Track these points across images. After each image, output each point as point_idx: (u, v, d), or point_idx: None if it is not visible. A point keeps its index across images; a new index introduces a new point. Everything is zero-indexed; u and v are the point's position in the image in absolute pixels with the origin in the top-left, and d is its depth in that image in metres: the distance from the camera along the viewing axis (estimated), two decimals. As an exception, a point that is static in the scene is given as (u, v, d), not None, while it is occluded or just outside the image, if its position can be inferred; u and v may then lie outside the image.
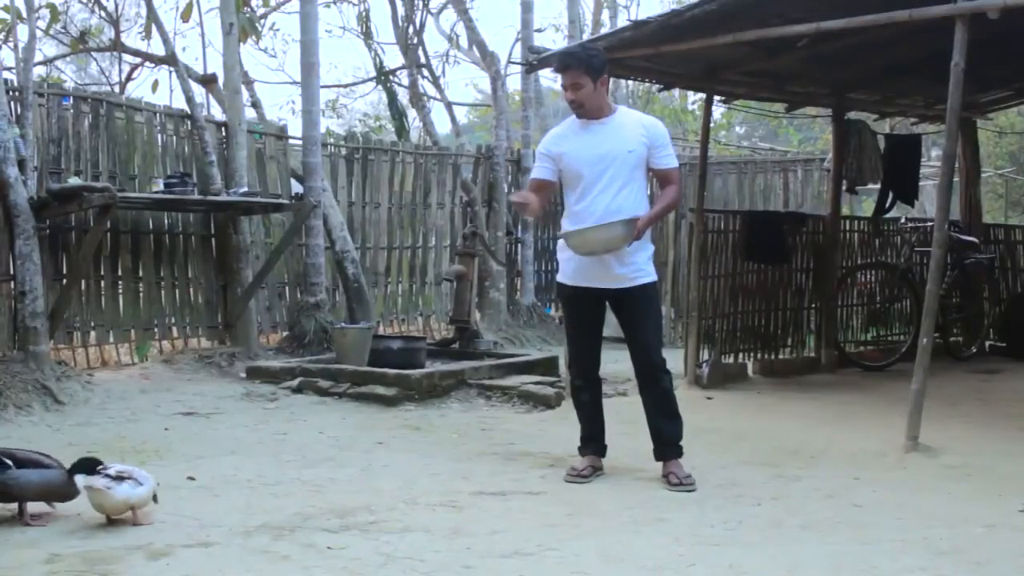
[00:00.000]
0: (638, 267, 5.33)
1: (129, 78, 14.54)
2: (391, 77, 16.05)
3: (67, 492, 4.50)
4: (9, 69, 8.16)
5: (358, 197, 11.22)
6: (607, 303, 5.46)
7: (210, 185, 9.13)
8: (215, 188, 9.07)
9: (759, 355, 9.17)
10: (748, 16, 7.01)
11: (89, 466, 4.47)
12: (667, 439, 5.39)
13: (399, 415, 7.31)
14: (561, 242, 5.50)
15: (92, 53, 15.67)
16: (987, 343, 10.78)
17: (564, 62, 5.38)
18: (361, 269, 10.59)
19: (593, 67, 5.28)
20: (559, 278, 5.59)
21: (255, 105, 13.80)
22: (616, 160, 5.25)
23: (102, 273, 8.73)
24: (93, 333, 8.70)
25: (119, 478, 4.39)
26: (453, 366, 8.40)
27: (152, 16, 10.87)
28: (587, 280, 5.37)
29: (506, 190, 12.73)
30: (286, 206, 9.68)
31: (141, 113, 9.21)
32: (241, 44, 11.15)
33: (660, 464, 5.39)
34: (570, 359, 5.70)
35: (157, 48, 12.21)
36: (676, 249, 12.24)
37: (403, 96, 16.08)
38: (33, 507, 4.49)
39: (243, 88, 11.02)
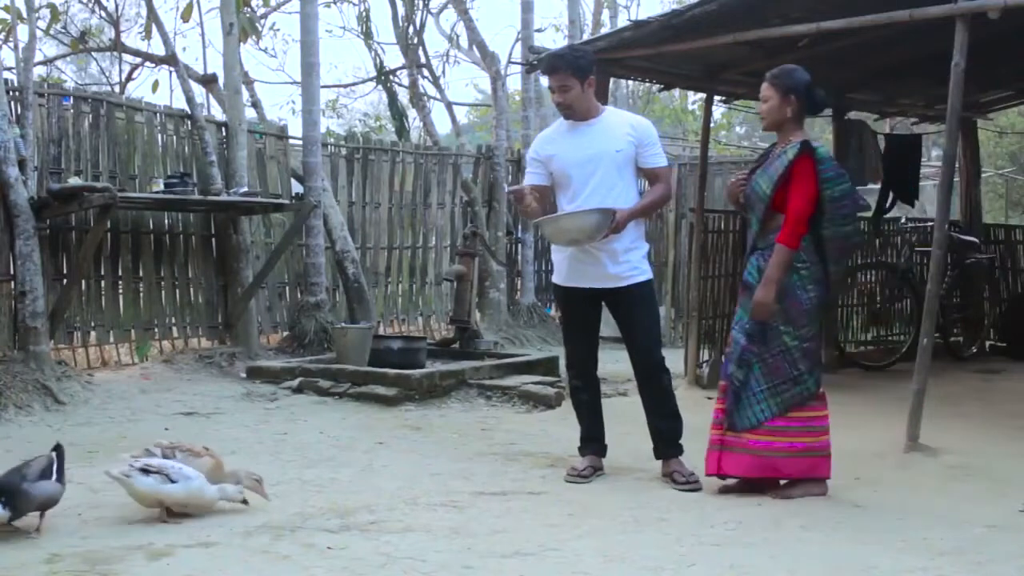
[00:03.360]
0: (632, 266, 5.33)
1: (129, 78, 14.56)
2: (391, 77, 16.06)
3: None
4: (9, 69, 8.16)
5: (358, 197, 11.22)
6: (603, 303, 5.46)
7: (210, 185, 9.13)
8: (215, 188, 9.07)
9: (759, 355, 9.15)
10: (748, 16, 7.01)
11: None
12: (667, 438, 5.39)
13: (399, 415, 7.31)
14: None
15: (92, 53, 15.67)
16: (987, 343, 10.79)
17: (552, 64, 5.37)
18: (361, 269, 10.59)
19: (580, 68, 5.28)
20: (554, 279, 5.59)
21: (255, 105, 13.82)
22: (604, 160, 5.25)
23: (102, 273, 8.72)
24: (93, 333, 8.70)
25: (144, 470, 4.39)
26: (453, 366, 8.40)
27: (152, 16, 10.88)
28: (582, 280, 5.37)
29: (506, 190, 12.73)
30: (286, 206, 9.68)
31: (141, 113, 9.21)
32: (241, 44, 11.16)
33: (660, 463, 5.40)
34: (568, 359, 5.71)
35: (157, 48, 12.23)
36: (676, 249, 12.23)
37: (403, 96, 16.11)
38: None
39: (243, 88, 11.02)
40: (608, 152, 5.26)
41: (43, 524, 4.25)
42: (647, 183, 5.56)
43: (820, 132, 22.05)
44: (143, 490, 4.39)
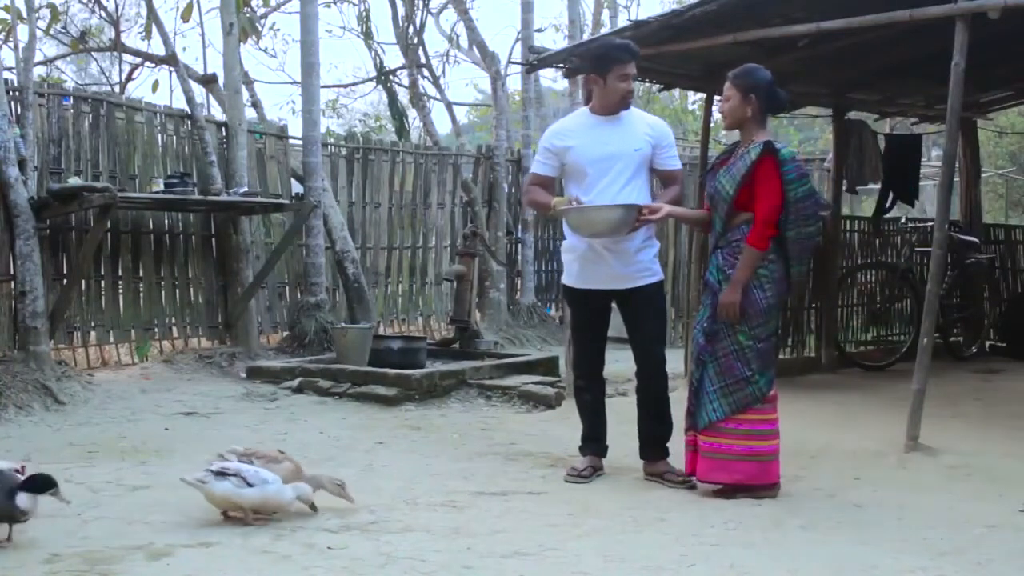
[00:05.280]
0: (644, 266, 5.34)
1: (129, 78, 14.57)
2: (391, 77, 16.07)
3: (5, 514, 4.02)
4: (9, 69, 8.17)
5: (358, 197, 11.22)
6: (612, 302, 5.46)
7: (210, 185, 9.13)
8: (215, 188, 9.08)
9: (759, 355, 9.14)
10: (748, 16, 7.01)
11: (40, 484, 4.07)
12: (655, 440, 5.41)
13: (399, 415, 7.31)
14: (566, 243, 5.49)
15: (92, 53, 15.68)
16: (987, 343, 10.78)
17: (635, 53, 5.39)
18: (361, 269, 10.59)
19: None
20: (564, 280, 5.57)
21: (255, 105, 13.83)
22: (623, 158, 5.26)
23: (102, 273, 8.73)
24: (93, 333, 8.70)
25: (221, 474, 4.37)
26: (453, 366, 8.40)
27: (152, 16, 10.89)
28: (593, 282, 5.37)
29: (506, 190, 12.74)
30: (286, 206, 9.68)
31: (141, 113, 9.21)
32: (241, 44, 11.16)
33: (651, 463, 5.40)
34: (574, 359, 5.70)
35: (157, 48, 12.25)
36: (676, 249, 12.24)
37: (403, 96, 16.11)
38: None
39: (243, 88, 11.02)
40: (627, 151, 5.27)
41: None
42: (660, 184, 5.58)
43: (820, 132, 22.07)
44: (219, 495, 4.36)
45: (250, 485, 4.36)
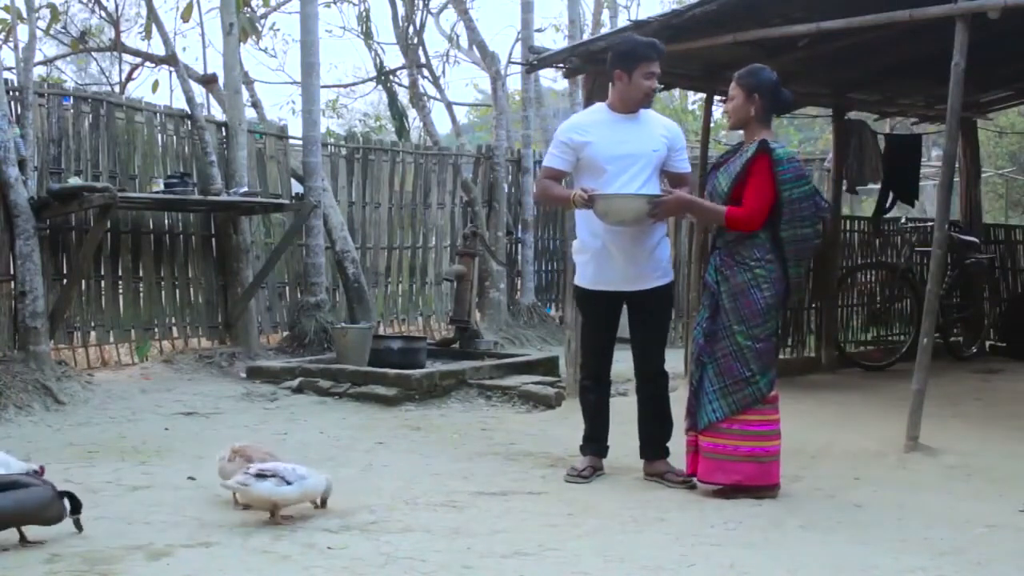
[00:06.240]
0: (656, 267, 5.35)
1: (129, 78, 14.57)
2: (391, 77, 16.07)
3: (52, 514, 4.11)
4: (9, 69, 8.17)
5: (358, 197, 11.22)
6: (624, 303, 5.46)
7: (210, 185, 9.13)
8: (215, 188, 9.08)
9: (759, 355, 9.14)
10: (748, 16, 7.01)
11: (77, 502, 4.17)
12: (656, 440, 5.42)
13: (399, 415, 7.31)
14: (577, 244, 5.51)
15: (92, 53, 15.68)
16: (987, 343, 10.78)
17: (661, 52, 5.36)
18: (361, 269, 10.59)
19: None
20: (577, 281, 5.56)
21: (255, 105, 13.83)
22: (641, 158, 5.27)
23: (102, 273, 8.73)
24: (93, 333, 8.70)
25: (260, 475, 4.40)
26: (453, 366, 8.40)
27: (152, 16, 10.89)
28: (607, 284, 5.37)
29: (506, 190, 12.75)
30: (286, 206, 9.69)
31: (141, 113, 9.22)
32: (241, 44, 11.16)
33: (650, 463, 5.41)
34: (582, 360, 5.71)
35: (157, 48, 12.26)
36: (676, 249, 12.22)
37: (403, 96, 16.10)
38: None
39: (243, 88, 11.02)
40: (645, 152, 5.28)
41: None
42: (669, 185, 5.59)
43: (820, 132, 22.07)
44: (262, 495, 4.40)
45: (289, 483, 4.41)
